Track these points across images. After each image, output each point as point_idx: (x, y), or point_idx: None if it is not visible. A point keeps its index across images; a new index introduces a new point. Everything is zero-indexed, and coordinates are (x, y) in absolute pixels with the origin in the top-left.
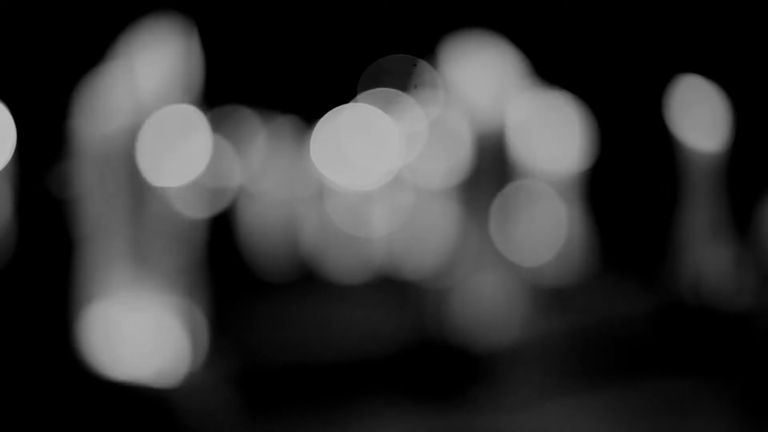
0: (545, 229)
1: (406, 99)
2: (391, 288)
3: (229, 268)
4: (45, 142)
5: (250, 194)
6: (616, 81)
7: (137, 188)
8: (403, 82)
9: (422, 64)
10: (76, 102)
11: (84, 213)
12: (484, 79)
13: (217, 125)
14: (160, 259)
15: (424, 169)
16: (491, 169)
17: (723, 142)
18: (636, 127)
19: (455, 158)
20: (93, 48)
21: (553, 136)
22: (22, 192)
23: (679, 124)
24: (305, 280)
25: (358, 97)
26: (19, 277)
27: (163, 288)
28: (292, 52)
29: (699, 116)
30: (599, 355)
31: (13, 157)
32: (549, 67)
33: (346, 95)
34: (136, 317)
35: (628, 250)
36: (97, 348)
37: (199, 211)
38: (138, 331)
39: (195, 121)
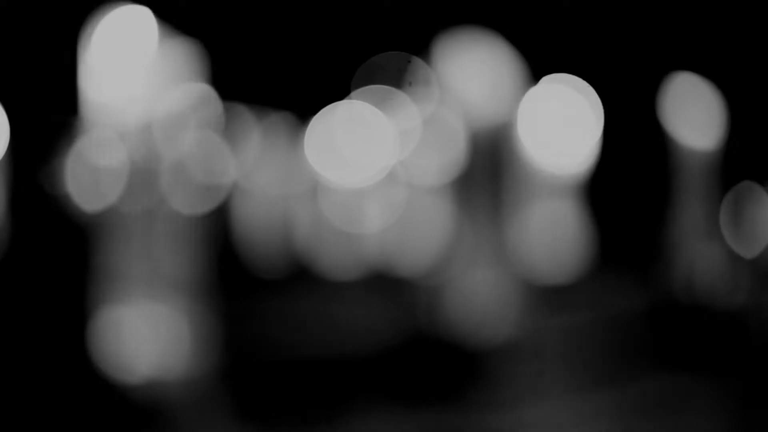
0: (539, 226)
1: (400, 96)
2: (385, 285)
3: (222, 265)
4: (40, 138)
5: (243, 191)
6: (610, 78)
7: (136, 185)
8: (398, 79)
9: (416, 61)
10: (71, 98)
11: (83, 210)
12: (478, 76)
13: (211, 121)
14: (158, 257)
15: (418, 166)
16: (485, 165)
17: (717, 140)
18: (630, 124)
19: (449, 155)
20: (84, 43)
21: (547, 133)
22: (17, 189)
23: (674, 122)
24: (299, 277)
25: (353, 94)
26: (13, 274)
27: (160, 286)
28: (286, 48)
29: (693, 114)
30: (593, 353)
31: (7, 154)
32: (543, 65)
33: (340, 92)
34: (133, 316)
35: (622, 248)
36: (93, 346)
37: (194, 208)
38: (133, 328)
39: (193, 118)
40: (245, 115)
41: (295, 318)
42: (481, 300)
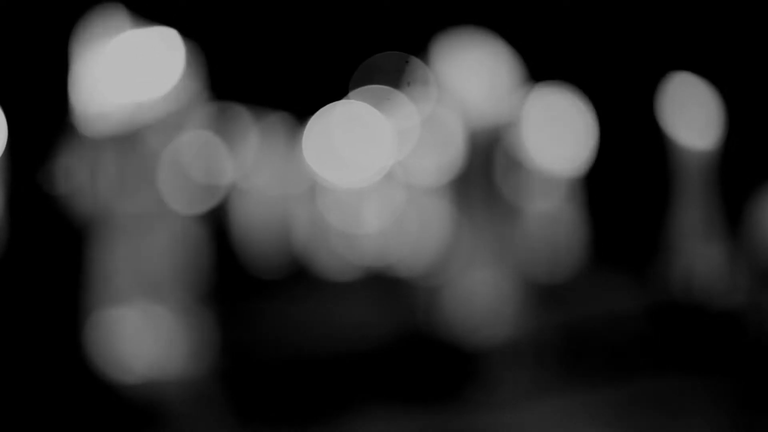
0: (537, 225)
1: (398, 96)
2: (383, 285)
3: (221, 265)
4: (37, 138)
5: (242, 191)
6: (609, 79)
7: (134, 186)
8: (396, 79)
9: (414, 62)
10: (68, 98)
11: (80, 210)
12: (476, 76)
13: (209, 122)
14: (156, 258)
15: (416, 166)
16: (483, 165)
17: (715, 140)
18: (629, 124)
19: (447, 155)
20: (81, 44)
21: (545, 132)
22: (15, 189)
23: (672, 122)
24: (297, 277)
25: (351, 94)
26: (11, 274)
27: (158, 287)
28: (284, 49)
29: (691, 114)
30: (591, 353)
31: (5, 154)
32: (541, 65)
33: (338, 92)
34: (131, 316)
35: (621, 248)
36: (91, 346)
37: (192, 208)
38: (132, 328)
39: (191, 118)
40: (243, 115)
41: (293, 318)
42: (479, 300)
